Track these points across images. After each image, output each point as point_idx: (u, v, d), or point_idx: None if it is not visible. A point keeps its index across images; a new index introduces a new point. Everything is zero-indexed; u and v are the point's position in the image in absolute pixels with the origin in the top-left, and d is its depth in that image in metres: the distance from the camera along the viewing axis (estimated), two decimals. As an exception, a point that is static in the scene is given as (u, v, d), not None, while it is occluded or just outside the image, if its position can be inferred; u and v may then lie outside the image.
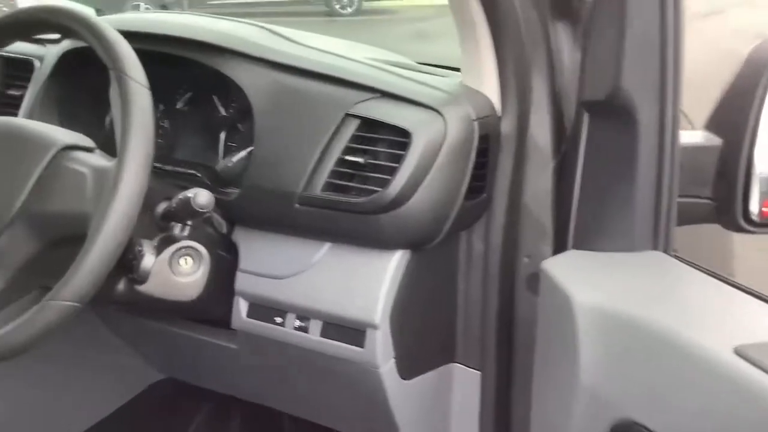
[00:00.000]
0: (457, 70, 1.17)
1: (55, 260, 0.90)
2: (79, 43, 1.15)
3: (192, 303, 1.04)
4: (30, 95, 1.19)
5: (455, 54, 1.05)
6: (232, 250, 1.08)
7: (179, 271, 1.01)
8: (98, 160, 0.87)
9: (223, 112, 1.15)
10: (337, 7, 10.23)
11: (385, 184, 0.92)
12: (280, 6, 10.12)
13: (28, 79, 1.20)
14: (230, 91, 1.12)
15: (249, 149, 1.11)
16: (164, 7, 9.31)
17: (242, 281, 1.06)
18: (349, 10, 10.33)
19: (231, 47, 1.04)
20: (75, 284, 0.79)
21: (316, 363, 1.04)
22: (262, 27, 1.13)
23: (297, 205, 0.98)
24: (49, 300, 0.80)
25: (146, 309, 1.08)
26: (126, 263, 0.90)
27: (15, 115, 1.20)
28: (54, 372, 1.34)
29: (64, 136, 0.90)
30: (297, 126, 0.99)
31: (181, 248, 1.01)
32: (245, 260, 1.06)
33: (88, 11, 0.92)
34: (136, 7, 9.23)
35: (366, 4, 10.54)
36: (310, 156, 0.97)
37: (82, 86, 1.22)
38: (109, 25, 0.89)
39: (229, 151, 1.14)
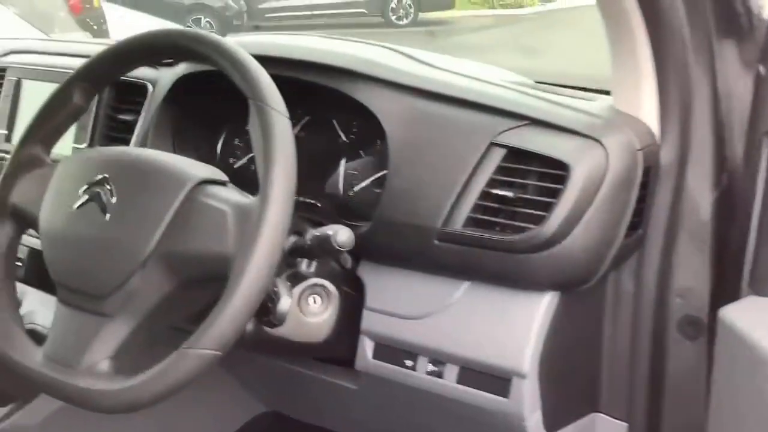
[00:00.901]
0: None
1: (186, 300, 0.85)
2: (197, 67, 1.10)
3: (317, 344, 0.98)
4: (143, 121, 1.15)
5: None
6: (357, 287, 1.01)
7: (308, 311, 0.95)
8: (236, 195, 0.81)
9: (343, 137, 1.09)
10: (393, 18, 10.23)
11: (539, 220, 0.84)
12: (337, 18, 10.16)
13: (139, 104, 1.16)
14: (351, 115, 1.06)
15: (372, 178, 1.05)
16: (227, 21, 9.43)
17: (369, 320, 0.99)
18: (406, 21, 10.31)
19: (365, 72, 0.97)
20: (217, 332, 0.73)
21: (449, 411, 0.97)
22: (394, 49, 1.06)
23: (436, 242, 0.90)
24: (188, 348, 0.74)
25: (268, 350, 1.02)
26: (261, 305, 0.84)
27: (127, 141, 1.16)
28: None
29: (198, 169, 0.84)
30: (436, 156, 0.92)
31: (310, 286, 0.95)
32: (372, 298, 0.99)
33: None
34: (197, 21, 9.37)
35: (422, 15, 10.51)
36: (451, 189, 0.89)
37: (195, 111, 1.17)
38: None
39: (349, 179, 1.07)
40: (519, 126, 0.89)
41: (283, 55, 1.02)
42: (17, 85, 1.30)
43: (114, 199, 0.82)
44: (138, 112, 1.16)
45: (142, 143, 1.14)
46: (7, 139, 1.31)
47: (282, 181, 0.76)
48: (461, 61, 1.09)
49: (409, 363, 0.97)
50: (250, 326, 0.90)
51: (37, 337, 1.25)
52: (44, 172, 0.93)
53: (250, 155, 1.17)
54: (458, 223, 0.89)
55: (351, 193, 1.07)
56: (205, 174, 0.83)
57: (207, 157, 1.16)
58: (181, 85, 1.13)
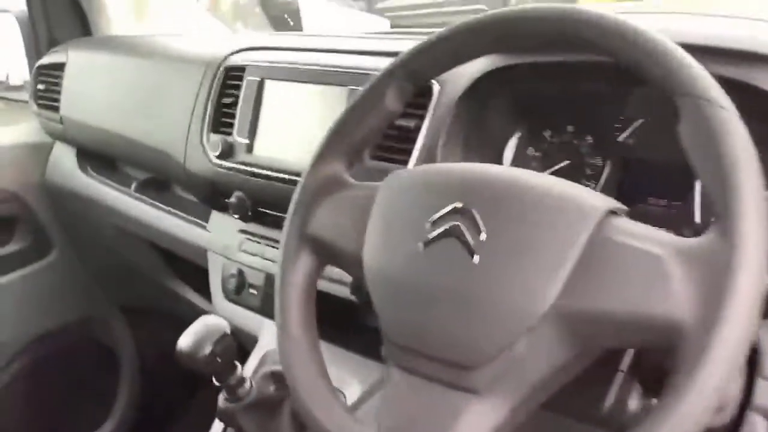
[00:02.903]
0: None
1: (574, 371, 0.63)
2: (506, 60, 0.89)
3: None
4: (429, 127, 0.94)
5: None
6: None
7: None
8: (662, 232, 0.58)
9: None
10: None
11: None
12: (456, 15, 9.83)
13: (421, 107, 0.95)
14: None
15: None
16: None
17: (765, 393, 0.74)
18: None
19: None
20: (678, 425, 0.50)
21: None
22: None
23: None
24: None
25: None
26: None
27: (407, 152, 0.96)
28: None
29: (593, 196, 0.61)
30: None
31: None
32: (771, 363, 0.73)
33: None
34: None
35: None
36: None
37: (485, 115, 0.96)
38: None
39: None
40: None
41: (710, 44, 0.76)
42: (260, 87, 1.13)
43: (483, 236, 0.60)
44: (419, 117, 0.95)
45: (428, 155, 0.93)
46: (249, 149, 1.14)
47: (755, 214, 0.52)
48: None
49: None
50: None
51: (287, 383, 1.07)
52: (348, 195, 0.73)
53: (555, 167, 0.95)
54: None
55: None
56: (607, 203, 0.60)
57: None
58: (479, 83, 0.91)
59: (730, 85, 0.71)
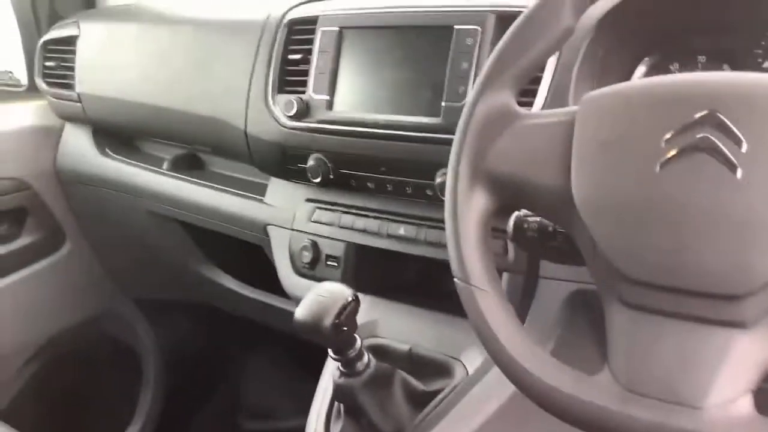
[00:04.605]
0: None
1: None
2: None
3: None
4: (562, 61, 0.87)
5: None
6: None
7: None
8: None
9: None
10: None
11: None
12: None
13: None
14: None
15: None
16: None
17: None
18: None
19: None
20: None
21: None
22: None
23: None
24: None
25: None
26: None
27: (529, 92, 0.89)
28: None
29: None
30: None
31: None
32: None
33: None
34: None
35: None
36: None
37: (613, 49, 0.89)
38: None
39: None
40: None
41: None
42: (339, 37, 1.04)
43: (744, 147, 0.53)
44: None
45: (556, 92, 0.86)
46: (329, 106, 1.05)
47: None
48: None
49: None
50: None
51: (394, 356, 0.98)
52: (534, 124, 0.65)
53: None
54: None
55: None
56: None
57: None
58: (616, 10, 0.84)
59: None
